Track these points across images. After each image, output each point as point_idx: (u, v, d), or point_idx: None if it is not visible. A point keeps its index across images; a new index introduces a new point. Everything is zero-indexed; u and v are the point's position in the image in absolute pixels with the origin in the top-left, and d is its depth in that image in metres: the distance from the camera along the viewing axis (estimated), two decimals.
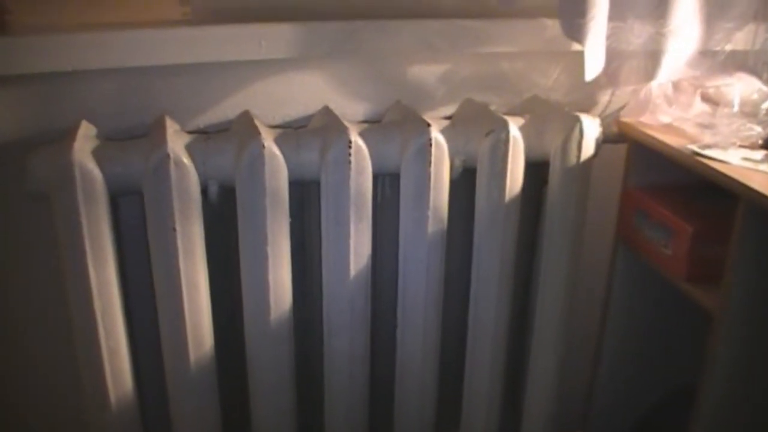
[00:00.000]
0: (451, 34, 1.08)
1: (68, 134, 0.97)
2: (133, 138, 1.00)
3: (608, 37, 1.08)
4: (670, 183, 1.12)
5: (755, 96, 1.10)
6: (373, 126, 1.06)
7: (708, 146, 1.03)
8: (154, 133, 0.99)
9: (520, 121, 1.09)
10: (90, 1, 0.98)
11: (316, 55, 1.06)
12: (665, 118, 1.13)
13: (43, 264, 1.08)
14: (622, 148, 1.16)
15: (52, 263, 0.99)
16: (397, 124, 1.07)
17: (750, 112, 1.09)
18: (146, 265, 0.99)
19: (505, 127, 1.05)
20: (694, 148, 1.03)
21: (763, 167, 0.97)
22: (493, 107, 1.12)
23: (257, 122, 1.02)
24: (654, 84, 1.13)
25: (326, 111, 1.09)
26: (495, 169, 1.06)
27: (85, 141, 0.96)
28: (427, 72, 1.14)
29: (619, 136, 1.16)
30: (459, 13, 1.10)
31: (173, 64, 1.01)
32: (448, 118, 1.12)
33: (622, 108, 1.18)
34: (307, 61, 1.09)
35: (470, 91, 1.16)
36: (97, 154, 0.95)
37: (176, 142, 0.96)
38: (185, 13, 1.02)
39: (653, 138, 1.09)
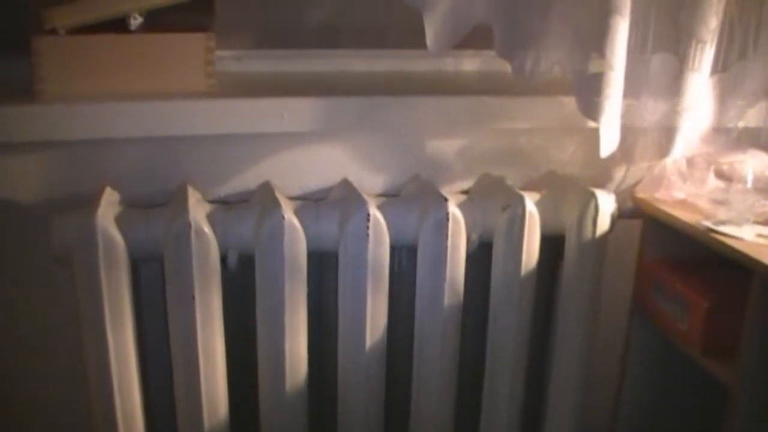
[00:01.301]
0: (470, 110, 1.10)
1: (92, 199, 0.99)
2: (155, 205, 1.02)
3: (623, 115, 1.11)
4: (686, 256, 1.13)
5: None
6: (391, 199, 1.08)
7: (722, 222, 1.05)
8: (177, 202, 1.01)
9: (536, 196, 1.11)
10: (118, 72, 1.00)
11: (338, 129, 1.08)
12: (680, 194, 1.16)
13: (62, 325, 1.08)
14: (637, 223, 1.19)
15: (72, 325, 1.00)
16: (415, 197, 1.09)
17: (763, 188, 1.11)
18: (164, 329, 1.01)
19: (521, 202, 1.08)
20: (709, 224, 1.05)
21: None
22: (509, 182, 1.13)
23: (277, 193, 1.04)
24: (668, 160, 1.15)
25: (345, 183, 1.11)
26: (511, 243, 1.08)
27: (108, 207, 0.98)
28: (445, 146, 1.16)
29: (635, 212, 1.19)
30: (479, 90, 1.13)
31: (197, 134, 1.03)
32: (466, 192, 1.14)
33: (637, 183, 1.19)
34: (328, 134, 1.11)
35: (488, 166, 1.17)
36: (120, 221, 0.97)
37: (198, 211, 0.98)
38: (211, 86, 1.04)
39: (668, 214, 1.11)
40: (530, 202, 1.08)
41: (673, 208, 1.12)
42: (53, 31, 0.97)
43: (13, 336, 1.10)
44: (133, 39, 1.01)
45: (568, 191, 1.13)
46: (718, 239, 1.01)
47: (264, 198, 1.04)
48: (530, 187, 1.13)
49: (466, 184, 1.18)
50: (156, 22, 1.03)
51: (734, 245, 0.98)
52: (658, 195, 1.17)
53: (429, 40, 1.06)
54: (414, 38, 1.08)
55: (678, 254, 1.14)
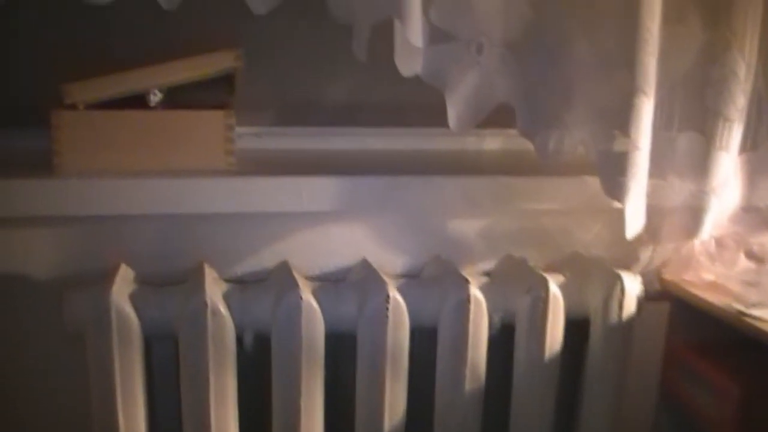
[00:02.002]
0: (492, 191, 1.08)
1: (107, 276, 0.99)
2: (171, 283, 1.02)
3: (649, 195, 1.09)
4: (716, 340, 1.10)
5: None
6: (411, 280, 1.07)
7: (754, 305, 1.03)
8: (193, 280, 1.01)
9: (560, 278, 1.10)
10: (137, 147, 0.99)
11: (357, 208, 1.07)
12: (709, 276, 1.14)
13: (73, 401, 1.08)
14: (665, 305, 1.17)
15: (83, 401, 1.00)
16: (435, 279, 1.07)
17: None
18: (176, 409, 0.99)
19: (544, 284, 1.06)
20: (740, 307, 1.03)
21: None
22: (532, 263, 1.12)
23: (295, 273, 1.03)
24: (696, 241, 1.13)
25: (365, 264, 1.10)
26: (534, 326, 1.07)
27: (123, 283, 0.98)
28: (467, 227, 1.15)
29: (662, 294, 1.16)
30: (501, 170, 1.11)
31: (215, 212, 1.02)
32: (488, 273, 1.13)
33: (664, 265, 1.17)
34: (348, 213, 1.10)
35: (510, 246, 1.16)
36: (135, 298, 0.96)
37: (214, 290, 0.98)
38: (230, 163, 1.02)
39: (697, 296, 1.09)
40: (554, 285, 1.07)
41: (702, 290, 1.10)
42: (72, 106, 0.97)
43: (23, 410, 1.09)
44: (153, 115, 1.00)
45: (593, 273, 1.11)
46: (750, 323, 0.99)
47: (281, 277, 1.03)
48: (554, 268, 1.12)
49: (488, 265, 1.16)
50: (176, 98, 1.02)
51: (767, 329, 0.96)
52: (687, 276, 1.15)
53: (451, 120, 1.06)
54: (435, 116, 1.07)
55: (708, 338, 1.12)
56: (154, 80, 1.00)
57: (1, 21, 1.04)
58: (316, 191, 1.03)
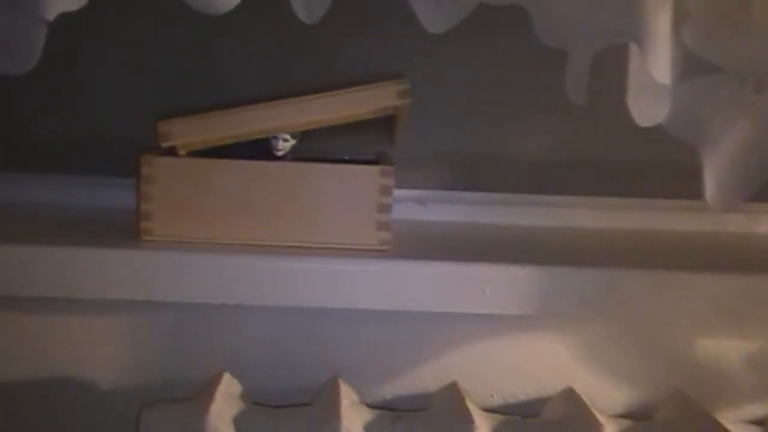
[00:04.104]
0: (763, 293, 0.93)
1: (203, 389, 0.91)
2: (292, 405, 0.93)
3: None
4: None
5: None
6: (640, 424, 0.92)
7: None
8: (324, 403, 0.91)
9: None
10: (254, 211, 0.90)
11: (561, 313, 0.94)
12: None
13: None
14: None
15: None
16: (678, 426, 0.92)
17: None
18: None
19: None
20: None
21: None
22: None
23: (468, 401, 0.91)
24: None
25: (570, 395, 0.96)
26: None
27: (225, 402, 0.89)
28: (725, 348, 1.00)
29: None
30: None
31: (358, 308, 0.90)
32: (759, 422, 0.97)
33: None
34: (547, 319, 0.98)
35: None
36: (241, 422, 0.87)
37: (353, 419, 0.87)
38: (383, 241, 0.91)
39: None
40: None
41: None
42: (171, 152, 0.89)
43: None
44: (280, 169, 0.91)
45: None
46: None
47: (449, 406, 0.92)
48: None
49: (760, 409, 1.00)
50: (310, 146, 0.96)
51: None
52: None
53: (709, 190, 0.90)
54: (679, 183, 1.02)
55: None
56: (285, 120, 0.90)
57: (73, 33, 1.02)
58: (503, 286, 0.90)
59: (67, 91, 1.04)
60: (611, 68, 0.90)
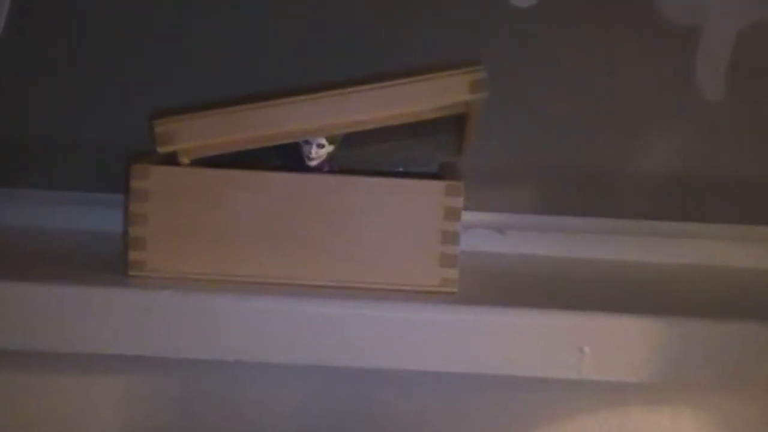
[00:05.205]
0: None
1: None
2: None
3: None
4: None
5: None
6: None
7: None
8: None
9: None
10: (282, 240, 0.81)
11: (690, 381, 0.80)
12: None
13: None
14: None
15: None
16: None
17: None
18: None
19: None
20: None
21: None
22: None
23: None
24: None
25: None
26: None
27: None
28: None
29: None
30: None
31: (413, 369, 0.79)
32: None
33: None
34: (668, 389, 0.86)
35: None
36: None
37: None
38: (449, 280, 0.81)
39: None
40: None
41: None
42: (170, 159, 0.80)
43: None
44: (313, 183, 0.81)
45: None
46: None
47: None
48: None
49: None
50: (353, 154, 0.90)
51: None
52: None
53: None
54: None
55: None
56: (320, 120, 0.80)
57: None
58: (608, 343, 0.78)
59: (32, 84, 0.97)
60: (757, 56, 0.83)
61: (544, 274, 0.94)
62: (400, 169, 0.94)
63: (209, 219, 0.80)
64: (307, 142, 0.81)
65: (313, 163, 0.82)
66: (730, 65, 0.86)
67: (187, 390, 0.89)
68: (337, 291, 0.80)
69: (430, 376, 0.84)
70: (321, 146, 0.82)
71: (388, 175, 0.83)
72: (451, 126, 0.89)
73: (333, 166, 0.85)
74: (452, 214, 0.80)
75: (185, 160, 0.79)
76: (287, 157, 0.84)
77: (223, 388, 0.88)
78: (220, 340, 0.77)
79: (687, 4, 0.86)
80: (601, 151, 0.99)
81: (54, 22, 0.97)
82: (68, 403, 0.90)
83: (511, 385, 0.86)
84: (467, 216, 0.84)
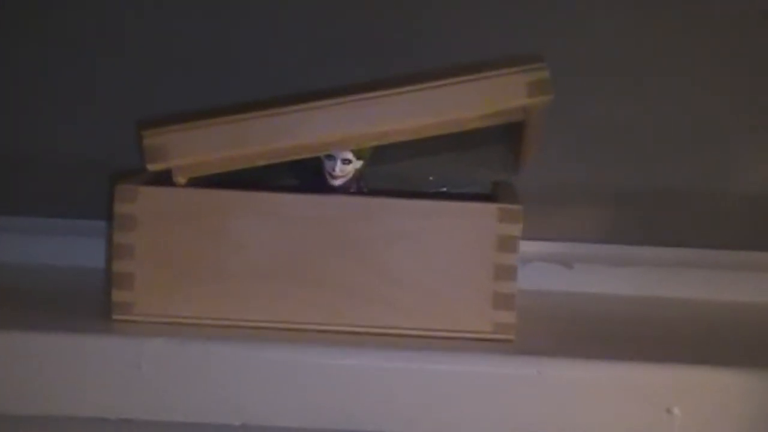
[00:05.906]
0: None
1: None
2: None
3: None
4: None
5: None
6: None
7: None
8: None
9: None
10: (301, 274, 0.74)
11: None
12: None
13: None
14: None
15: None
16: None
17: None
18: None
19: None
20: None
21: None
22: None
23: None
24: None
25: None
26: None
27: None
28: None
29: None
30: None
31: None
32: None
33: None
34: None
35: None
36: None
37: None
38: (503, 327, 0.73)
39: None
40: None
41: None
42: (163, 179, 0.73)
43: None
44: (337, 207, 0.73)
45: None
46: None
47: None
48: None
49: None
50: (386, 172, 0.86)
51: None
52: None
53: None
54: None
55: None
56: (346, 130, 0.73)
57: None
58: (703, 402, 0.69)
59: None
60: None
61: (618, 317, 0.87)
62: (444, 190, 0.89)
63: (208, 251, 0.73)
64: (330, 157, 0.73)
65: (337, 182, 0.75)
66: None
67: None
68: (366, 339, 0.73)
69: None
70: (347, 162, 0.74)
71: (428, 197, 0.77)
72: (504, 137, 0.84)
73: (361, 185, 0.78)
74: (508, 245, 0.73)
75: (180, 180, 0.72)
76: (304, 175, 0.78)
77: None
78: (224, 399, 0.70)
79: None
80: (687, 168, 0.93)
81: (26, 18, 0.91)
82: None
83: None
84: (526, 246, 0.77)
